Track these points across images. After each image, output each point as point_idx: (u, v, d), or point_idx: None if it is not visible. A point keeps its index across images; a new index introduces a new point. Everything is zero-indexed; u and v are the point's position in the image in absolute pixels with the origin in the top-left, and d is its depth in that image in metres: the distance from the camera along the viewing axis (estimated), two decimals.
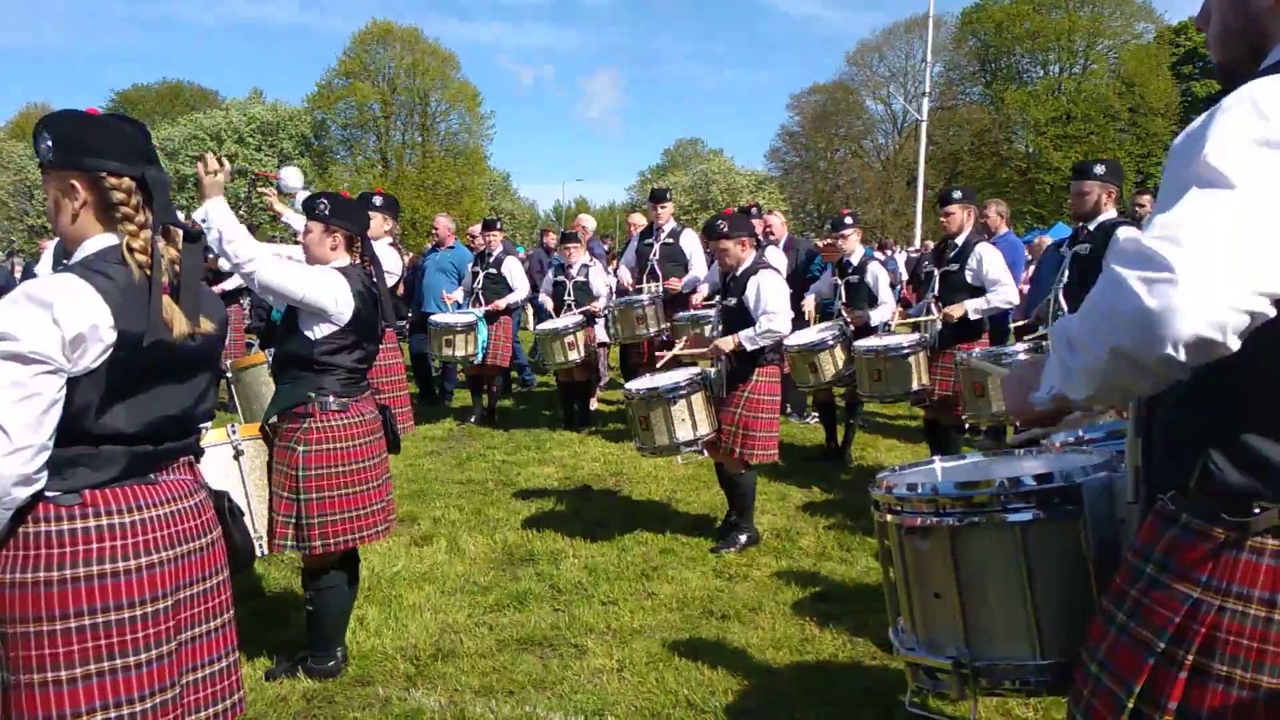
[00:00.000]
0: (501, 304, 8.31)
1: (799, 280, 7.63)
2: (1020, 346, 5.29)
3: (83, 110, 1.94)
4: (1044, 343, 5.16)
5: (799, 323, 7.03)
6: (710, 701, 3.26)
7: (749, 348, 4.84)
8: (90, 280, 1.78)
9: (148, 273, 1.86)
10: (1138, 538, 1.40)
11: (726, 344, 4.87)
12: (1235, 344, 1.10)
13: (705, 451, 5.10)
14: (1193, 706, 1.25)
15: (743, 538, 4.96)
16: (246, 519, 3.22)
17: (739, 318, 4.92)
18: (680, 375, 4.96)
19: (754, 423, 4.87)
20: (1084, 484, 1.74)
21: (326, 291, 3.26)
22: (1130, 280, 1.12)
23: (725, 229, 4.96)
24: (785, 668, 3.53)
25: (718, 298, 5.67)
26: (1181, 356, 1.10)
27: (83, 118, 1.92)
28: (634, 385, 5.03)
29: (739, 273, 4.98)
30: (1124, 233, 1.20)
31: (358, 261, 3.49)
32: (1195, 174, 1.14)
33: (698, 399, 4.80)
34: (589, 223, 10.12)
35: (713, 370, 4.97)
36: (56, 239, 4.54)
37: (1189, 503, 1.31)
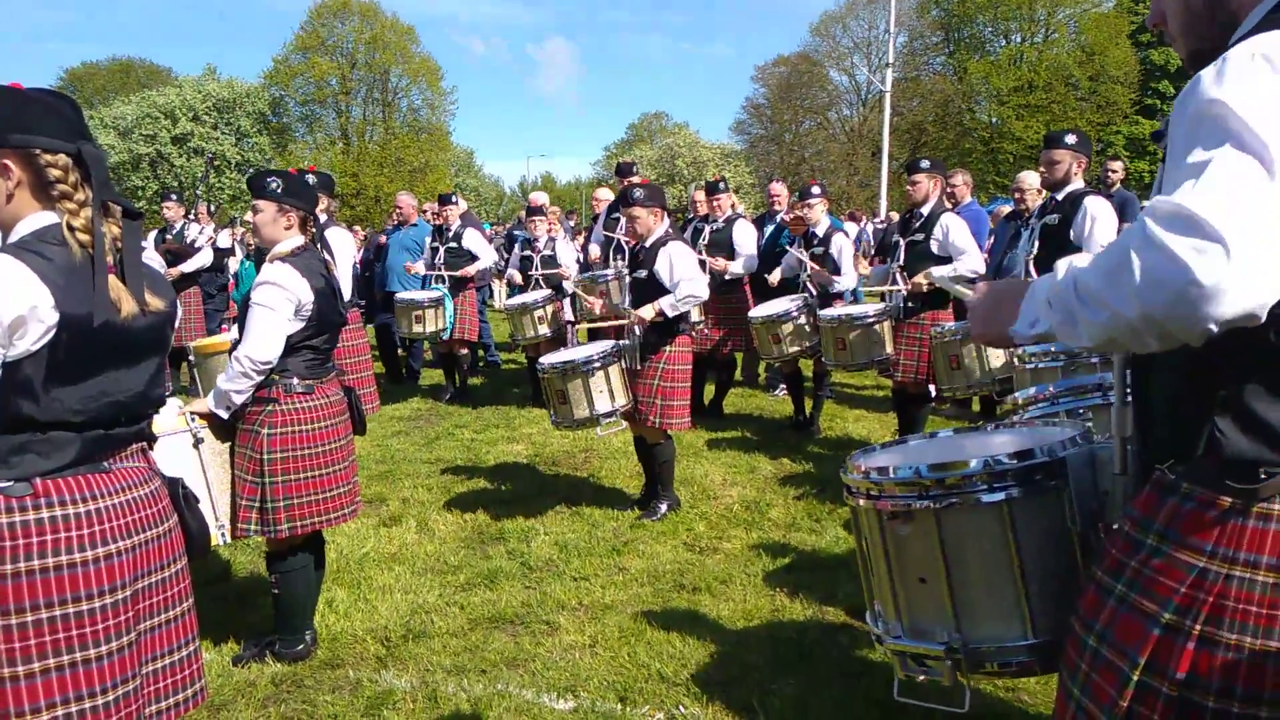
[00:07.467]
0: (471, 270, 8.21)
1: (770, 254, 7.62)
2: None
3: (6, 85, 1.83)
4: None
5: (766, 295, 7.05)
6: (682, 674, 3.27)
7: (670, 314, 4.86)
8: (25, 260, 1.72)
9: (90, 251, 1.80)
10: (1136, 508, 1.37)
11: (648, 312, 4.85)
12: (1263, 318, 1.08)
13: (625, 423, 5.07)
14: (1200, 675, 1.23)
15: (663, 506, 5.05)
16: (206, 506, 3.17)
17: (650, 289, 4.91)
18: (595, 348, 4.97)
19: (670, 392, 4.91)
20: (1067, 457, 1.71)
21: (292, 307, 3.22)
22: (1177, 248, 1.05)
23: (641, 196, 4.93)
24: (757, 639, 3.55)
25: (624, 269, 5.67)
26: (1218, 331, 1.07)
27: (8, 93, 1.82)
28: (549, 359, 4.96)
29: (649, 244, 4.98)
30: (1157, 200, 1.11)
31: (310, 243, 3.42)
32: (1228, 132, 1.08)
33: (614, 370, 4.82)
34: (542, 198, 10.05)
35: (625, 341, 4.96)
36: None
37: (1190, 471, 1.29)
